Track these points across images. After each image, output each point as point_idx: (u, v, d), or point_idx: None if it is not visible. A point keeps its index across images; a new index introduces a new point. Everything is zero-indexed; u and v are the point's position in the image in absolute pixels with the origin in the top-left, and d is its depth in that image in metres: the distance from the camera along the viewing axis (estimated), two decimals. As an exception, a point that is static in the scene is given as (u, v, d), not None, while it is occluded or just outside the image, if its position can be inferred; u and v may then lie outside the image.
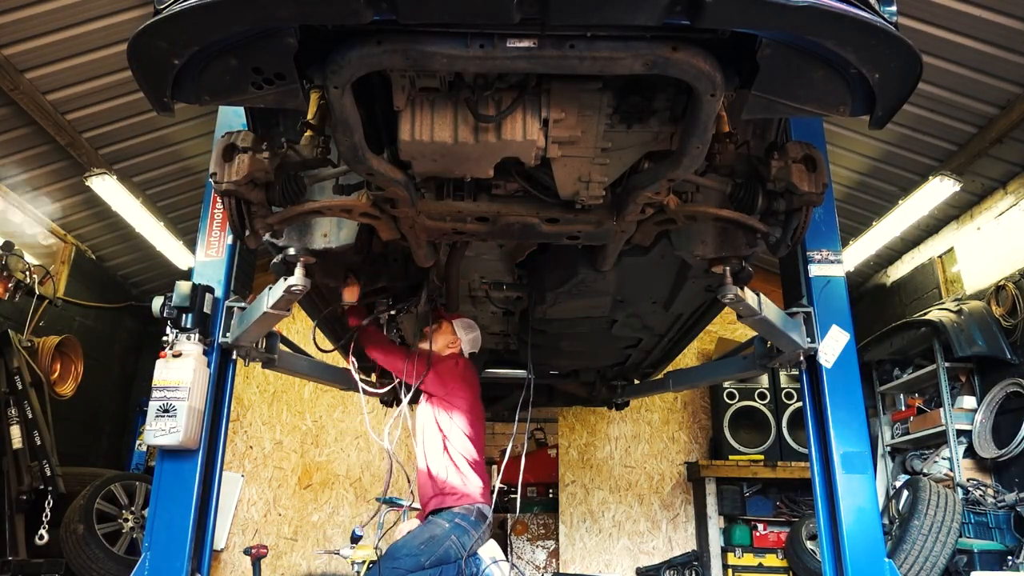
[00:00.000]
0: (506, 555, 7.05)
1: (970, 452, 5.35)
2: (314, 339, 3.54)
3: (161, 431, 2.70)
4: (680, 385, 4.60)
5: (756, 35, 1.72)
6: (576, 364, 5.31)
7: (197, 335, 2.88)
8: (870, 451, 2.94)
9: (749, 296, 2.78)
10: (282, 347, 3.48)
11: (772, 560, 6.61)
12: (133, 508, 5.23)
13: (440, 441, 3.36)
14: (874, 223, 6.14)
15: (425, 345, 3.59)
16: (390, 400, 5.50)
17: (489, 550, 3.14)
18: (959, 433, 5.36)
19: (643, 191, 2.27)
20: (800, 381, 3.16)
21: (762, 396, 6.92)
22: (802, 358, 3.09)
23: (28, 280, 5.75)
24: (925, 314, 5.72)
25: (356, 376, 3.61)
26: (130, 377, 7.90)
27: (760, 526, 6.79)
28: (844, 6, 1.61)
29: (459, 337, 3.66)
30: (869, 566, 2.74)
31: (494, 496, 3.42)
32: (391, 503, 5.66)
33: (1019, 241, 5.21)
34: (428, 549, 3.05)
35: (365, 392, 3.64)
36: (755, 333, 3.38)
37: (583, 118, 2.05)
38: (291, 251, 2.71)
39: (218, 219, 3.13)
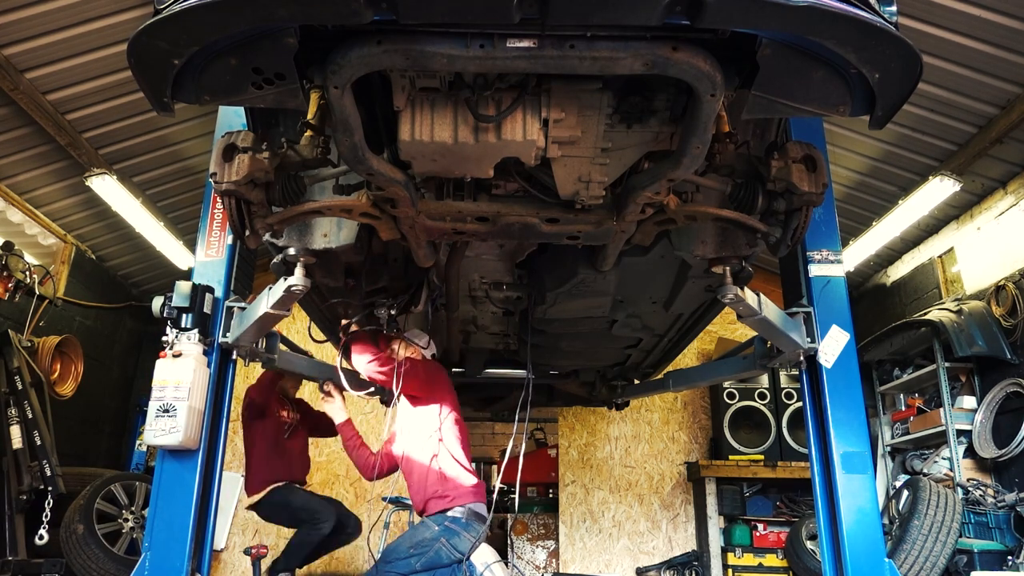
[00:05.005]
0: (506, 555, 7.04)
1: (970, 452, 5.35)
2: (309, 331, 3.57)
3: (161, 431, 2.70)
4: (680, 385, 4.59)
5: (756, 35, 1.72)
6: (576, 364, 5.30)
7: (197, 335, 2.88)
8: (870, 451, 2.93)
9: (749, 296, 2.78)
10: (282, 347, 3.48)
11: (772, 560, 6.60)
12: (133, 508, 5.23)
13: (426, 444, 3.35)
14: (874, 223, 6.14)
15: (403, 354, 3.62)
16: (390, 400, 5.55)
17: (482, 555, 3.13)
18: (959, 433, 5.36)
19: (643, 191, 2.27)
20: (800, 381, 3.16)
21: (762, 396, 6.91)
22: (802, 358, 3.09)
23: (28, 280, 5.75)
24: (925, 314, 5.72)
25: (341, 374, 3.65)
26: (130, 377, 7.90)
27: (760, 526, 6.78)
28: (844, 6, 1.61)
29: (417, 347, 3.68)
30: (869, 566, 2.74)
31: (493, 496, 3.40)
32: (397, 502, 5.66)
33: (1019, 241, 5.21)
34: (418, 552, 3.06)
35: (352, 391, 3.67)
36: (755, 333, 3.38)
37: (583, 118, 2.05)
38: (291, 251, 2.71)
39: (218, 219, 3.13)
